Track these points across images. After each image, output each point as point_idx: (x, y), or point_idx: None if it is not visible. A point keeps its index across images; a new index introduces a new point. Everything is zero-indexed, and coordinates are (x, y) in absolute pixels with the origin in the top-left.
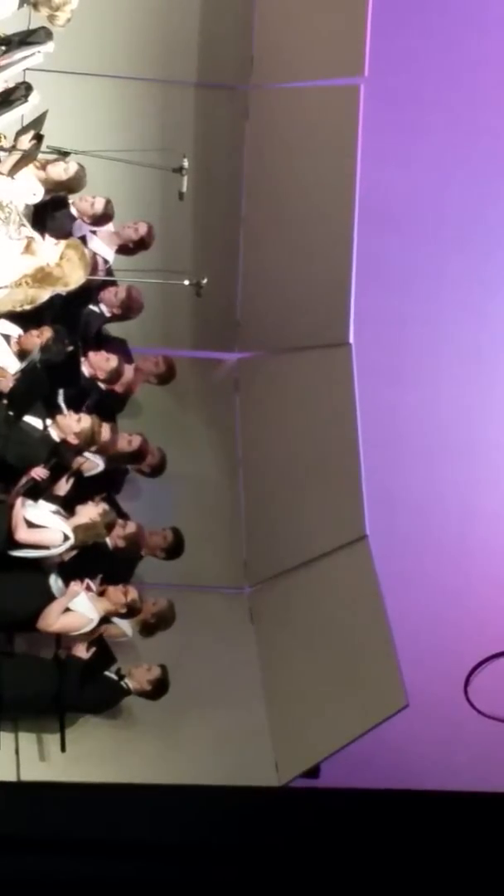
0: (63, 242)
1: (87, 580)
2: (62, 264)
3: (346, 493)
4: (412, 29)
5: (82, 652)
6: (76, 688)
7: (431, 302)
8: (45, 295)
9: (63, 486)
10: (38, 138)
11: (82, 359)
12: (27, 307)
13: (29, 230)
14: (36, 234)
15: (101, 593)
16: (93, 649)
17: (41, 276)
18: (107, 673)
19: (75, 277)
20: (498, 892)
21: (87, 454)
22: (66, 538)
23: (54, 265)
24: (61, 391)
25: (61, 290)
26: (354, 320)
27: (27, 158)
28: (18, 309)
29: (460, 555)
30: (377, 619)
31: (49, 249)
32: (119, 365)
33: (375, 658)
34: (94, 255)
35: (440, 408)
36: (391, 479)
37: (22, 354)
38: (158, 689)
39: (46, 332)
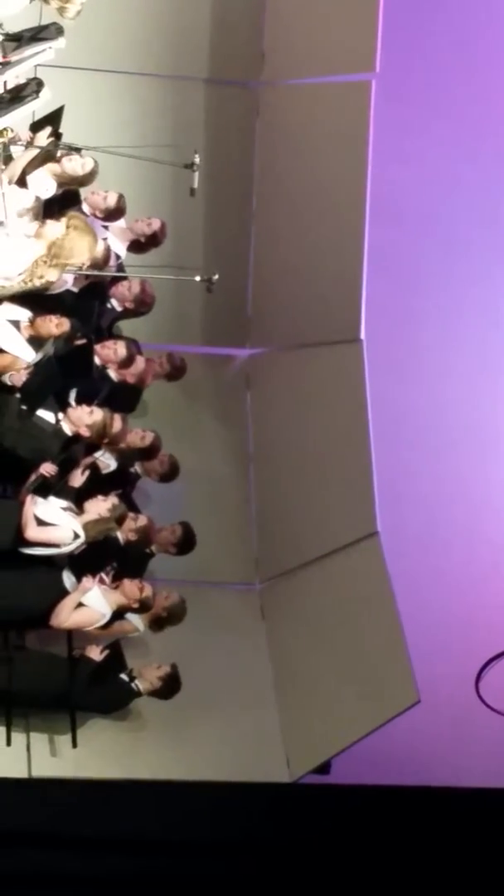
0: (64, 218)
1: (99, 574)
2: (70, 234)
3: (357, 489)
4: (423, 25)
5: (95, 654)
6: (86, 688)
7: (443, 298)
8: (53, 274)
9: (78, 478)
10: (57, 137)
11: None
12: (37, 283)
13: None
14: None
15: (116, 587)
16: (106, 652)
17: (54, 252)
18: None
19: (86, 244)
20: None
21: (98, 454)
22: (76, 536)
23: (63, 238)
24: (73, 391)
25: (77, 262)
26: (366, 317)
27: (45, 158)
28: (29, 285)
29: (472, 551)
30: (388, 616)
31: (55, 226)
32: (128, 350)
33: (386, 654)
34: (108, 248)
35: (451, 404)
36: (402, 476)
37: (34, 340)
38: (170, 686)
39: (65, 325)
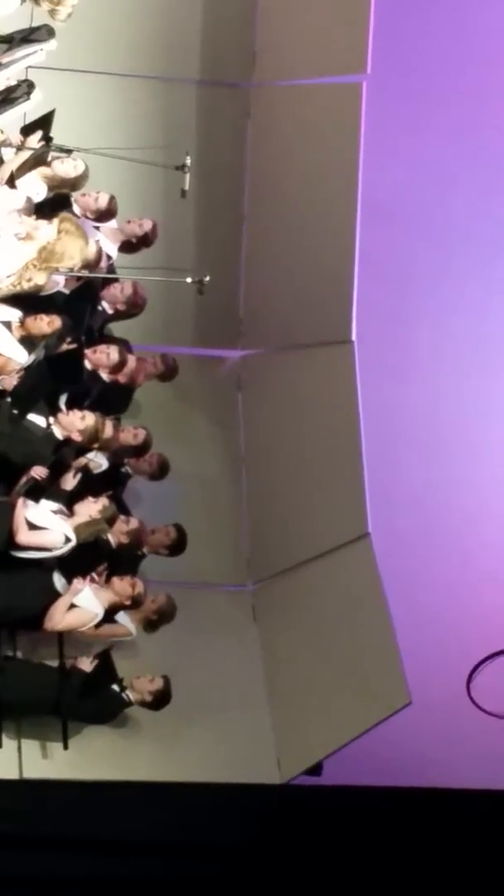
0: (56, 219)
1: (89, 574)
2: (62, 237)
3: (348, 490)
4: (414, 26)
5: (86, 665)
6: (77, 699)
7: (434, 299)
8: (42, 277)
9: (70, 481)
10: (48, 140)
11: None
12: (25, 286)
13: (27, 222)
14: (31, 221)
15: (107, 585)
16: (96, 662)
17: (45, 256)
18: None
19: (78, 247)
20: (501, 889)
21: (90, 455)
22: (67, 540)
23: (54, 241)
24: (63, 395)
25: (68, 265)
26: (357, 317)
27: (36, 162)
28: (17, 288)
29: (463, 552)
30: (380, 617)
31: (46, 229)
32: (121, 355)
33: (378, 655)
34: (100, 249)
35: (443, 405)
36: (394, 477)
37: (25, 339)
38: (160, 700)
39: (56, 322)
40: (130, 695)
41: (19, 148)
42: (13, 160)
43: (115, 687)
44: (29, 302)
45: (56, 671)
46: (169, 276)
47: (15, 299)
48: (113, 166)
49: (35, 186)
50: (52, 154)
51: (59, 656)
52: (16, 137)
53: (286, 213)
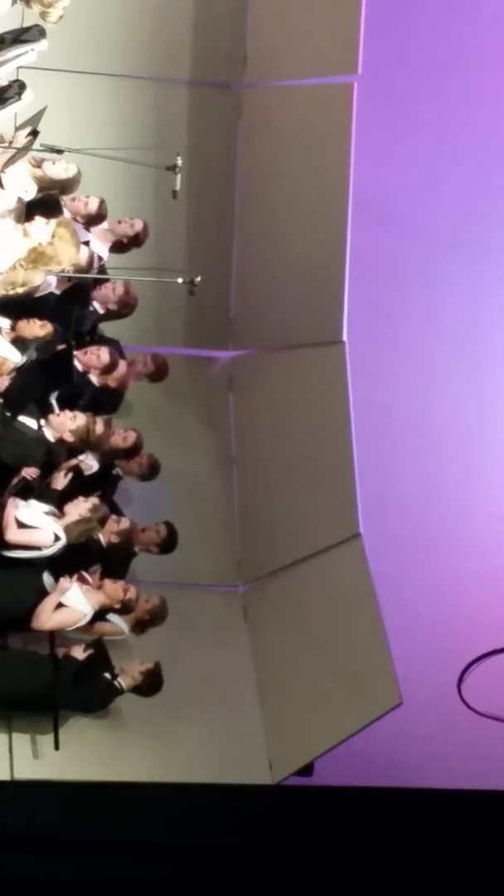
0: (54, 221)
1: (79, 573)
2: (54, 242)
3: (339, 490)
4: (406, 27)
5: (78, 653)
6: (69, 687)
7: (425, 299)
8: (38, 277)
9: (61, 481)
10: (34, 134)
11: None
12: (20, 290)
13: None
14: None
15: (99, 587)
16: (89, 651)
17: (34, 257)
18: None
19: (68, 255)
20: (492, 889)
21: (81, 457)
22: (57, 539)
23: (46, 244)
24: (54, 393)
25: (55, 269)
26: (348, 318)
27: (20, 153)
28: (11, 293)
29: (454, 553)
30: (371, 617)
31: (41, 229)
32: (111, 356)
33: (369, 656)
34: (92, 254)
35: (434, 406)
36: (385, 477)
37: (18, 342)
38: (151, 682)
39: (48, 325)
40: (122, 680)
41: (8, 146)
42: (1, 157)
43: (107, 675)
44: (20, 305)
45: (47, 660)
46: (160, 277)
47: (5, 304)
48: (104, 167)
49: (25, 185)
50: (41, 153)
51: (49, 646)
52: (8, 137)
53: (277, 214)
